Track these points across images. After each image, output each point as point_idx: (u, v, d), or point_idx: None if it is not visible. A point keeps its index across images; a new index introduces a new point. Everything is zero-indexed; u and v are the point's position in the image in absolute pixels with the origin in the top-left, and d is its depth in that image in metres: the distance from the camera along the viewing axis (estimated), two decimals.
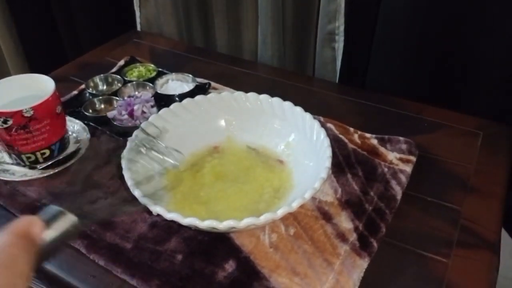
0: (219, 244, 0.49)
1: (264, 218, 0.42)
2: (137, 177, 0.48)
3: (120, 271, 0.47)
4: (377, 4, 0.72)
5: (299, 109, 0.56)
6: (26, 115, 0.53)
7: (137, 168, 0.50)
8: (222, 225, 0.41)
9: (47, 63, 0.84)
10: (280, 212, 0.42)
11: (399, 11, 0.71)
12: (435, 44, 0.71)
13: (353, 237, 0.50)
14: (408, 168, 0.58)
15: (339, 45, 0.78)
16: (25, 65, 1.15)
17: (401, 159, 0.60)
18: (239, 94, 0.59)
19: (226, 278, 0.46)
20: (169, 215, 0.42)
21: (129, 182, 0.46)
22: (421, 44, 0.72)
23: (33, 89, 0.57)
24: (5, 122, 0.52)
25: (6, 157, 0.59)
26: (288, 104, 0.56)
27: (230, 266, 0.47)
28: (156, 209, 0.43)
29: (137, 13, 0.98)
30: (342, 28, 0.76)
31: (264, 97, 0.58)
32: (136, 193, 0.45)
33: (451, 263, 0.48)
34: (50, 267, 0.48)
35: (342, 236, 0.50)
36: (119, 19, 1.05)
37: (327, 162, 0.47)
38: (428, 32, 0.71)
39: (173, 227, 0.50)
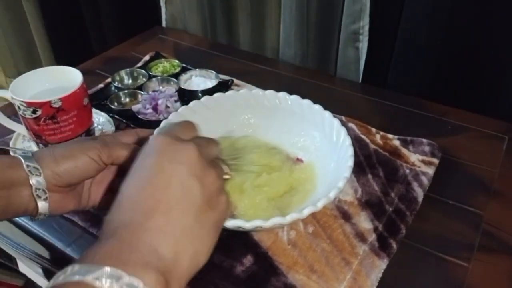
0: (238, 238, 0.49)
1: (290, 218, 0.42)
2: None
3: None
4: (401, 4, 0.71)
5: (318, 107, 0.55)
6: (54, 106, 0.54)
7: None
8: (249, 225, 0.41)
9: (73, 57, 0.86)
10: (306, 211, 0.42)
11: (423, 12, 0.70)
12: (459, 45, 0.70)
13: (372, 237, 0.50)
14: (431, 171, 0.58)
15: (363, 45, 0.77)
16: (52, 57, 1.18)
17: (423, 161, 0.59)
18: (258, 91, 0.58)
19: (244, 272, 0.46)
20: None
21: None
22: (445, 45, 0.71)
23: (61, 81, 0.59)
24: (34, 112, 0.54)
25: (34, 146, 0.60)
26: (307, 102, 0.56)
27: (248, 260, 0.47)
28: None
29: (163, 9, 0.99)
30: (366, 28, 0.75)
31: (283, 94, 0.57)
32: None
33: (471, 267, 0.48)
34: (72, 254, 0.49)
35: (361, 236, 0.50)
36: (144, 14, 1.07)
37: (350, 161, 0.47)
38: (452, 32, 0.69)
39: None
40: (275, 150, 0.58)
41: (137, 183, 0.33)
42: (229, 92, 0.59)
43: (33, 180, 0.38)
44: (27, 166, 0.38)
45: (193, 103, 0.56)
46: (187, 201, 0.31)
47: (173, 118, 0.54)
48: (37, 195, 0.39)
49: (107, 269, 0.26)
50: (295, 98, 0.56)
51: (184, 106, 0.56)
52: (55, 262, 0.55)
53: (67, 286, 0.26)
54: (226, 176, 0.40)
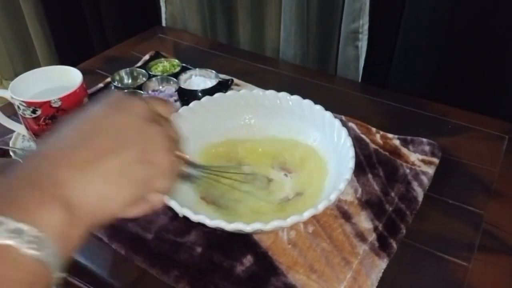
0: (237, 238, 0.49)
1: (290, 220, 0.42)
2: None
3: (141, 261, 0.48)
4: (402, 3, 0.71)
5: (319, 108, 0.55)
6: (54, 105, 0.54)
7: None
8: (249, 228, 0.41)
9: (73, 56, 0.86)
10: (306, 214, 0.42)
11: (424, 11, 0.70)
12: (460, 44, 0.70)
13: (372, 237, 0.50)
14: (431, 170, 0.58)
15: (363, 44, 0.77)
16: (54, 57, 1.18)
17: (423, 161, 0.59)
18: (258, 91, 0.58)
19: (244, 272, 0.46)
20: (195, 217, 0.42)
21: None
22: (446, 44, 0.71)
23: (61, 80, 0.59)
24: (34, 112, 0.54)
25: (33, 146, 0.60)
26: (307, 102, 0.56)
27: (248, 260, 0.47)
28: (182, 211, 0.43)
29: (163, 9, 0.99)
30: (366, 26, 0.75)
31: (283, 95, 0.57)
32: (164, 196, 0.44)
33: (471, 267, 0.48)
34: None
35: (361, 236, 0.50)
36: (144, 14, 1.07)
37: (351, 163, 0.47)
38: (453, 32, 0.69)
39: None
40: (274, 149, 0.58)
41: (71, 124, 0.31)
42: (229, 93, 0.58)
43: None
44: None
45: (193, 104, 0.56)
46: (116, 147, 0.30)
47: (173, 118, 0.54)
48: None
49: None
50: (296, 98, 0.56)
51: (184, 107, 0.56)
52: None
53: None
54: (181, 154, 0.37)
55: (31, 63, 1.24)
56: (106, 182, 0.29)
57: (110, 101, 0.32)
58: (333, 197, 0.43)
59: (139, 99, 0.33)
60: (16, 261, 0.24)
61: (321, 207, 0.43)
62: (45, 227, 0.25)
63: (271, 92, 0.57)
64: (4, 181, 0.27)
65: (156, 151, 0.32)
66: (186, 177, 0.46)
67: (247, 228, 0.41)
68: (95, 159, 0.29)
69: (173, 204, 0.42)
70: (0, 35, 1.23)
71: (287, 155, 0.57)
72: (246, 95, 0.58)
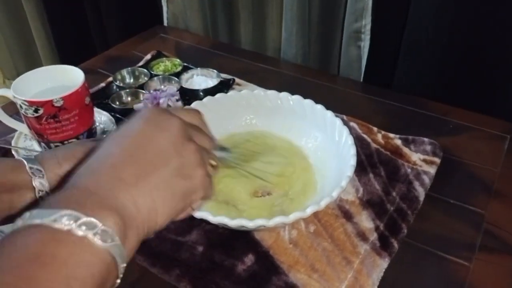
0: (239, 237, 0.50)
1: (293, 217, 0.42)
2: None
3: (142, 260, 0.48)
4: (405, 3, 0.71)
5: (320, 107, 0.55)
6: (56, 105, 0.54)
7: None
8: (252, 224, 0.41)
9: (75, 56, 0.86)
10: (309, 211, 0.42)
11: (427, 11, 0.70)
12: (462, 44, 0.70)
13: (373, 236, 0.50)
14: (432, 170, 0.58)
15: (365, 43, 0.77)
16: (56, 57, 1.18)
17: (425, 161, 0.59)
18: (259, 91, 0.58)
19: (245, 271, 0.46)
20: (199, 214, 0.42)
21: None
22: (448, 45, 0.71)
23: (63, 80, 0.59)
24: (36, 111, 0.54)
25: (35, 145, 0.61)
26: (308, 102, 0.56)
27: (249, 259, 0.48)
28: None
29: (164, 8, 0.99)
30: (368, 26, 0.75)
31: (284, 95, 0.57)
32: None
33: (473, 267, 0.47)
34: None
35: (362, 235, 0.50)
36: (146, 14, 1.07)
37: (352, 160, 0.47)
38: (457, 32, 0.69)
39: (195, 219, 0.51)
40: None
41: (116, 141, 0.35)
42: (230, 93, 0.58)
43: (36, 182, 0.38)
44: (30, 168, 0.38)
45: (195, 104, 0.56)
46: (159, 163, 0.33)
47: None
48: (40, 197, 0.39)
49: (65, 211, 0.27)
50: (297, 98, 0.56)
51: (186, 107, 0.56)
52: None
53: (26, 230, 0.27)
54: (212, 162, 0.41)
55: (33, 63, 1.24)
56: (153, 196, 0.32)
57: (149, 118, 0.36)
58: (335, 194, 0.44)
59: (174, 115, 0.36)
60: (88, 247, 0.27)
61: (323, 203, 0.43)
62: (107, 225, 0.28)
63: (272, 92, 0.58)
64: (69, 191, 0.30)
65: (193, 166, 0.35)
66: (221, 161, 0.47)
67: (249, 224, 0.41)
68: (143, 175, 0.32)
69: None
70: (2, 35, 1.23)
71: (285, 155, 0.57)
72: (248, 95, 0.58)
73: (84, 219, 0.27)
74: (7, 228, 0.38)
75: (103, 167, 0.32)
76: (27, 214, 0.27)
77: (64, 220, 0.27)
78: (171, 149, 0.34)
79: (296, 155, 0.57)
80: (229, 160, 0.48)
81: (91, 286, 0.26)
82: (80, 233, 0.27)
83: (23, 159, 0.39)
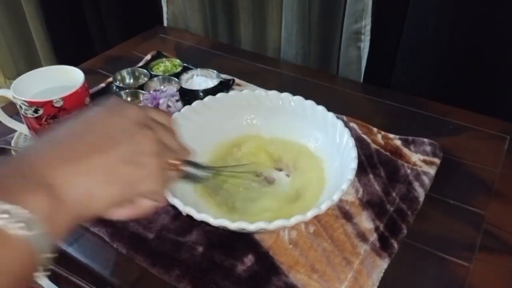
0: (239, 238, 0.50)
1: (294, 220, 0.42)
2: None
3: (142, 260, 0.48)
4: (404, 4, 0.71)
5: (321, 108, 0.55)
6: (56, 105, 0.54)
7: None
8: (253, 227, 0.41)
9: (75, 56, 0.86)
10: (310, 214, 0.42)
11: (427, 11, 0.70)
12: (464, 45, 0.70)
13: (373, 237, 0.50)
14: (432, 170, 0.58)
15: (365, 44, 0.77)
16: (52, 57, 1.18)
17: (424, 161, 0.59)
18: (260, 92, 0.58)
19: (245, 272, 0.46)
20: (199, 216, 0.42)
21: None
22: (448, 45, 0.71)
23: (63, 80, 0.59)
24: (36, 111, 0.54)
25: None
26: (310, 103, 0.56)
27: (249, 260, 0.48)
28: (186, 209, 0.43)
29: (164, 9, 0.99)
30: (368, 27, 0.75)
31: (286, 95, 0.57)
32: (167, 194, 0.44)
33: (473, 267, 0.48)
34: (74, 253, 0.50)
35: (362, 236, 0.50)
36: (146, 14, 1.07)
37: (353, 163, 0.47)
38: (456, 33, 0.69)
39: (195, 220, 0.51)
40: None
41: (67, 123, 0.33)
42: (231, 93, 0.58)
43: None
44: None
45: (195, 103, 0.56)
46: (106, 146, 0.31)
47: (175, 118, 0.54)
48: None
49: None
50: (298, 99, 0.56)
51: (187, 106, 0.56)
52: (56, 261, 0.55)
53: None
54: (174, 161, 0.38)
55: (33, 63, 1.24)
56: (91, 177, 0.30)
57: (106, 104, 0.34)
58: (336, 197, 0.44)
59: (135, 105, 0.35)
60: (6, 240, 0.25)
61: (324, 207, 0.43)
62: (32, 210, 0.26)
63: (273, 93, 0.58)
64: None
65: (143, 154, 0.33)
66: (191, 178, 0.46)
67: (250, 227, 0.41)
68: (82, 154, 0.30)
69: (176, 202, 0.43)
70: (2, 34, 1.23)
71: (288, 156, 0.57)
72: (248, 96, 0.58)
73: (3, 206, 0.25)
74: None
75: (41, 146, 0.30)
76: None
77: None
78: (123, 134, 0.32)
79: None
80: (201, 177, 0.47)
81: (7, 281, 0.25)
82: None
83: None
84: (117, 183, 0.31)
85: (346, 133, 0.51)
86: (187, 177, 0.45)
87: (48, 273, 0.27)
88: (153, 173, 0.33)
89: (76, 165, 0.29)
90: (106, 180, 0.31)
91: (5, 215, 0.24)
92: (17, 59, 1.28)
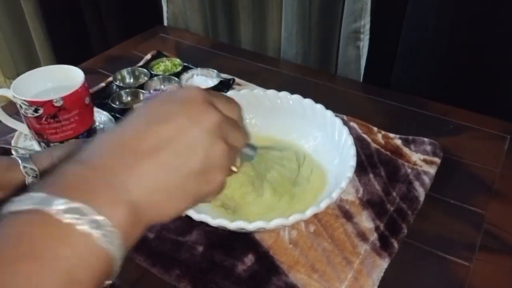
0: (239, 238, 0.50)
1: (293, 218, 0.42)
2: None
3: (142, 260, 0.48)
4: (404, 3, 0.71)
5: (319, 107, 0.55)
6: (56, 104, 0.54)
7: None
8: (251, 226, 0.41)
9: (74, 56, 0.86)
10: (309, 212, 0.42)
11: (427, 11, 0.70)
12: (464, 44, 0.70)
13: (373, 236, 0.50)
14: (432, 170, 0.58)
15: (364, 44, 0.77)
16: (52, 57, 1.18)
17: (425, 161, 0.59)
18: (259, 91, 0.58)
19: (245, 272, 0.46)
20: (198, 216, 0.42)
21: None
22: (448, 45, 0.71)
23: (63, 80, 0.59)
24: (36, 111, 0.54)
25: (35, 145, 0.61)
26: (308, 102, 0.56)
27: (249, 260, 0.48)
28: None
29: (164, 8, 0.99)
30: (367, 26, 0.75)
31: (284, 94, 0.57)
32: None
33: (473, 267, 0.47)
34: None
35: (362, 235, 0.50)
36: (146, 13, 1.07)
37: (352, 161, 0.47)
38: (456, 32, 0.69)
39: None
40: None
41: (143, 120, 0.31)
42: (230, 92, 0.58)
43: (29, 182, 0.38)
44: (24, 167, 0.38)
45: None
46: (183, 161, 0.30)
47: None
48: None
49: (71, 203, 0.25)
50: (297, 97, 0.56)
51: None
52: None
53: (20, 215, 0.24)
54: (233, 168, 0.37)
55: (33, 62, 1.24)
56: (167, 194, 0.30)
57: (186, 103, 0.31)
58: (335, 195, 0.43)
59: (215, 111, 0.32)
60: (94, 250, 0.25)
61: (323, 205, 0.43)
62: (116, 223, 0.26)
63: (271, 92, 0.57)
64: (78, 169, 0.28)
65: (215, 171, 0.32)
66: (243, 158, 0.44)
67: (249, 226, 0.41)
68: (162, 169, 0.29)
69: None
70: (2, 34, 1.23)
71: (288, 155, 0.57)
72: (247, 95, 0.58)
73: (93, 216, 0.25)
74: None
75: (121, 152, 0.29)
76: (25, 196, 0.25)
77: (68, 212, 0.24)
78: (199, 148, 0.30)
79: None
80: (252, 159, 0.45)
81: (89, 285, 0.25)
82: (84, 230, 0.24)
83: (17, 158, 0.39)
84: (187, 198, 0.31)
85: (345, 131, 0.51)
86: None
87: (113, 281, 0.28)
88: (218, 188, 0.33)
89: (155, 182, 0.29)
90: (178, 197, 0.31)
91: (95, 225, 0.25)
92: (17, 59, 1.28)
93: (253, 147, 0.45)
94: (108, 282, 0.28)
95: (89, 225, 0.25)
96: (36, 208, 0.24)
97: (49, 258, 0.24)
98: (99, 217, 0.25)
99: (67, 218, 0.24)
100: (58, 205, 0.24)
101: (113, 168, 0.28)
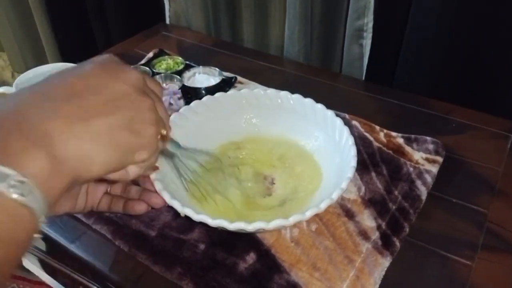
0: (240, 236, 0.49)
1: (293, 219, 0.42)
2: (163, 178, 0.47)
3: (144, 258, 0.48)
4: (407, 1, 0.71)
5: (320, 106, 0.55)
6: None
7: (163, 169, 0.48)
8: (251, 227, 0.41)
9: (78, 53, 0.86)
10: (309, 213, 0.42)
11: (429, 9, 0.70)
12: (466, 43, 0.70)
13: (375, 235, 0.50)
14: (434, 169, 0.57)
15: (367, 42, 0.77)
16: (57, 54, 1.19)
17: (427, 159, 0.59)
18: (259, 91, 0.58)
19: (247, 270, 0.46)
20: (197, 217, 0.42)
21: (157, 186, 0.44)
22: (451, 43, 0.71)
23: None
24: None
25: None
26: (309, 101, 0.55)
27: (251, 258, 0.48)
28: (184, 210, 0.43)
29: (167, 6, 0.99)
30: (370, 24, 0.75)
31: (284, 93, 0.56)
32: (165, 195, 0.44)
33: (475, 266, 0.47)
34: (76, 250, 0.50)
35: (364, 234, 0.50)
36: (148, 11, 1.07)
37: (353, 162, 0.47)
38: (459, 30, 0.69)
39: None
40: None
41: (63, 76, 0.31)
42: (230, 92, 0.58)
43: None
44: None
45: (194, 103, 0.56)
46: (107, 110, 0.30)
47: (174, 118, 0.53)
48: None
49: None
50: (297, 97, 0.56)
51: (186, 106, 0.56)
52: (59, 259, 0.56)
53: None
54: (163, 131, 0.37)
55: (40, 57, 1.25)
56: (93, 141, 0.30)
57: (105, 63, 0.33)
58: (335, 195, 0.43)
59: (135, 70, 0.34)
60: (5, 205, 0.24)
61: (323, 205, 0.43)
62: (29, 174, 0.25)
63: (272, 91, 0.57)
64: None
65: (144, 122, 0.33)
66: (169, 156, 0.46)
67: (249, 227, 0.41)
68: (86, 117, 0.29)
69: (175, 203, 0.43)
70: (11, 28, 1.23)
71: (288, 154, 0.57)
72: (247, 95, 0.58)
73: (3, 169, 0.24)
74: None
75: (39, 98, 0.29)
76: None
77: None
78: (125, 99, 0.31)
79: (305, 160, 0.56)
80: (174, 156, 0.46)
81: (11, 246, 0.24)
82: None
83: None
84: (116, 149, 0.31)
85: (346, 131, 0.51)
86: (164, 152, 0.45)
87: (41, 235, 0.27)
88: (150, 141, 0.34)
89: (79, 129, 0.29)
90: (107, 145, 0.30)
91: (3, 181, 0.24)
92: (26, 53, 1.29)
93: (177, 144, 0.46)
94: (37, 236, 0.27)
95: None
96: None
97: None
98: (5, 169, 0.24)
99: None
100: None
101: (28, 114, 0.27)
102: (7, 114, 0.27)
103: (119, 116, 0.31)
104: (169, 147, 0.45)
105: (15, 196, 0.24)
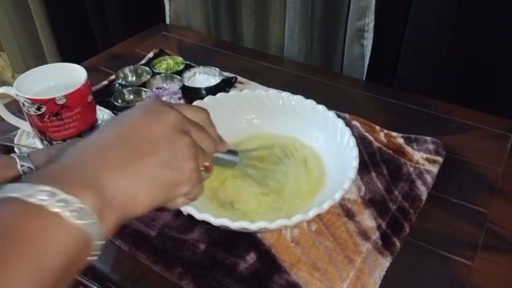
0: (241, 236, 0.50)
1: (295, 219, 0.42)
2: None
3: (144, 258, 0.48)
4: (408, 2, 0.71)
5: (321, 107, 0.55)
6: (58, 102, 0.54)
7: None
8: (254, 226, 0.41)
9: (78, 53, 0.86)
10: (311, 213, 0.42)
11: (430, 9, 0.70)
12: (466, 43, 0.70)
13: (375, 235, 0.50)
14: (435, 169, 0.57)
15: (368, 42, 0.77)
16: (57, 54, 1.19)
17: (427, 159, 0.59)
18: (260, 91, 0.58)
19: (247, 270, 0.46)
20: (200, 216, 0.42)
21: None
22: (451, 43, 0.71)
23: (66, 78, 0.59)
24: (38, 109, 0.54)
25: (38, 143, 0.61)
26: (310, 103, 0.55)
27: (251, 258, 0.48)
28: (187, 209, 0.43)
29: (167, 6, 0.99)
30: (371, 25, 0.75)
31: (286, 94, 0.56)
32: None
33: (475, 266, 0.47)
34: None
35: (364, 234, 0.50)
36: (148, 11, 1.07)
37: (355, 162, 0.47)
38: (459, 30, 0.69)
39: None
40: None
41: (109, 126, 0.35)
42: (231, 92, 0.58)
43: None
44: (21, 166, 0.39)
45: (195, 104, 0.56)
46: (148, 151, 0.33)
47: None
48: None
49: (42, 187, 0.27)
50: (299, 98, 0.56)
51: (194, 104, 0.56)
52: None
53: (1, 203, 0.27)
54: (206, 163, 0.40)
55: (40, 58, 1.25)
56: (136, 182, 0.32)
57: (149, 108, 0.36)
58: (337, 196, 0.43)
59: (174, 109, 0.36)
60: (62, 225, 0.27)
61: (325, 206, 0.43)
62: (85, 201, 0.28)
63: (273, 92, 0.57)
64: (52, 167, 0.31)
65: (182, 159, 0.35)
66: (223, 165, 0.48)
67: (251, 226, 0.41)
68: (128, 159, 0.32)
69: None
70: (11, 29, 1.24)
71: (288, 155, 0.57)
72: (249, 95, 0.58)
73: (61, 196, 0.27)
74: None
75: (90, 148, 0.33)
76: (5, 188, 0.27)
77: (40, 196, 0.27)
78: (164, 139, 0.34)
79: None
80: (237, 164, 0.48)
81: (63, 261, 0.27)
82: (53, 209, 0.27)
83: (15, 157, 0.39)
84: (158, 187, 0.34)
85: (347, 132, 0.51)
86: (221, 164, 0.47)
87: (96, 258, 0.30)
88: (190, 175, 0.36)
89: (122, 170, 0.32)
90: (149, 184, 0.33)
91: (62, 204, 0.27)
92: (25, 54, 1.29)
93: (235, 153, 0.47)
94: (92, 258, 0.29)
95: (58, 204, 0.27)
96: (13, 195, 0.27)
97: (20, 234, 0.26)
98: (66, 196, 0.27)
99: (39, 201, 0.26)
100: (31, 190, 0.27)
101: (82, 162, 0.31)
102: (69, 158, 0.31)
103: (158, 156, 0.34)
104: (228, 157, 0.47)
105: (75, 220, 0.27)
